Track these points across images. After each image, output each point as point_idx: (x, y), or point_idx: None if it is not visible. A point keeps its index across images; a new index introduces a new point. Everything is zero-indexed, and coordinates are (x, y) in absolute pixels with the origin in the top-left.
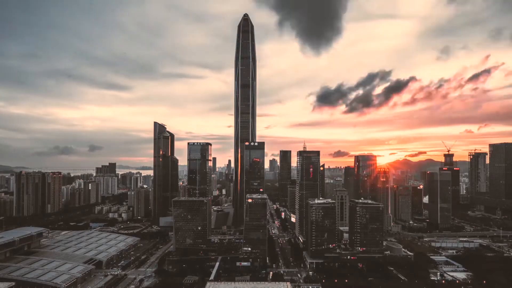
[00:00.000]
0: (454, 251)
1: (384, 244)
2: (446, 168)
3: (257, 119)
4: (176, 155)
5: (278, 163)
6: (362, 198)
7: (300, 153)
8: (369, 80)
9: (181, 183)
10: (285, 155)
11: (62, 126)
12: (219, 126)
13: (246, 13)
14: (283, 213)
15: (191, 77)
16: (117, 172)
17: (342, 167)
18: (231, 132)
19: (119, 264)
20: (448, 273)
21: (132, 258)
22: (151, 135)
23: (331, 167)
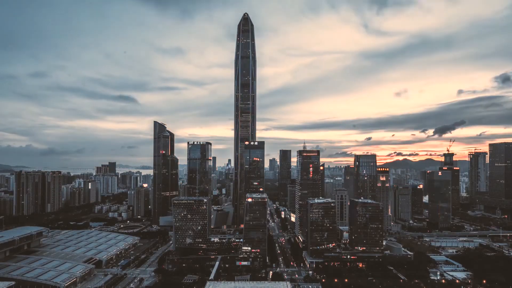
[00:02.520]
0: (454, 250)
1: (384, 243)
2: (446, 168)
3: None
4: (176, 155)
5: (278, 163)
6: (362, 198)
7: (300, 153)
8: None
9: (181, 182)
10: (285, 155)
11: (62, 130)
12: (220, 129)
13: (246, 12)
14: (283, 213)
15: (181, 89)
16: (117, 172)
17: (342, 166)
18: (232, 134)
19: (119, 264)
20: (448, 272)
21: (132, 257)
22: (150, 136)
23: (331, 166)
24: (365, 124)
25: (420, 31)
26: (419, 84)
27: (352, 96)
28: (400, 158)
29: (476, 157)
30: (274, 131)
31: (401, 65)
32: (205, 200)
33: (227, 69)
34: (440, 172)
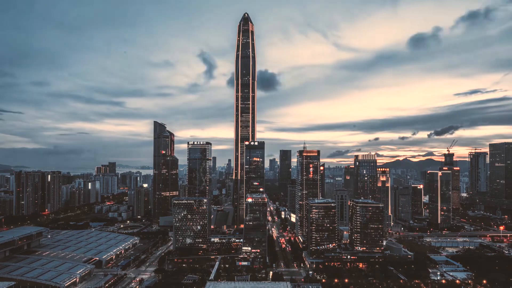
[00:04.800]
0: (454, 250)
1: (384, 244)
2: (446, 168)
3: None
4: (177, 155)
5: (278, 163)
6: (362, 198)
7: (300, 153)
8: None
9: (181, 182)
10: (285, 155)
11: (61, 132)
12: (221, 131)
13: (246, 12)
14: (283, 213)
15: (175, 95)
16: (117, 172)
17: (342, 166)
18: (232, 135)
19: (119, 264)
20: (448, 272)
21: (132, 257)
22: (150, 138)
23: (331, 166)
24: (364, 126)
25: (387, 46)
26: (403, 90)
27: (339, 100)
28: (400, 158)
29: (476, 157)
30: (272, 132)
31: (382, 73)
32: (205, 200)
33: (217, 79)
34: (440, 172)
